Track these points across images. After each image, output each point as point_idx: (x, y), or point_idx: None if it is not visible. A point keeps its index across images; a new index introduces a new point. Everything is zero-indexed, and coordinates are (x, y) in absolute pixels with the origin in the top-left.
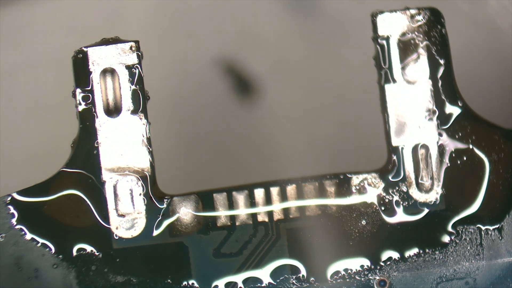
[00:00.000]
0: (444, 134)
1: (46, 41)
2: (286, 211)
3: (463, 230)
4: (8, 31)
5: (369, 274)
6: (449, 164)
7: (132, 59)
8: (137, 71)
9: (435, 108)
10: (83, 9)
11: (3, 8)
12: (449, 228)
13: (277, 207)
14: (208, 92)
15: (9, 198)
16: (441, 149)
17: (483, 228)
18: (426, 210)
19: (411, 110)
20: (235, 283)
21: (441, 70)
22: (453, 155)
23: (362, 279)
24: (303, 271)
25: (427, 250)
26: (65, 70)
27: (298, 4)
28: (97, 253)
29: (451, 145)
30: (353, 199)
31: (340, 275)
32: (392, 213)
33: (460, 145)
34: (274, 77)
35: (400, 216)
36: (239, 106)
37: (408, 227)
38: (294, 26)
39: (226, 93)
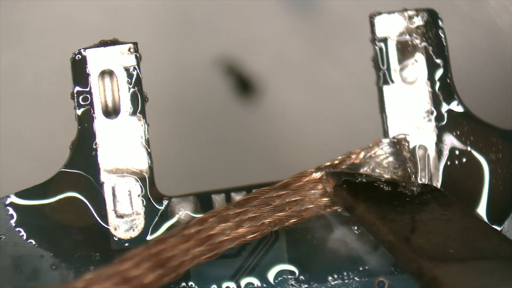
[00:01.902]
0: (443, 135)
1: (46, 42)
2: None
3: None
4: (8, 31)
5: (369, 275)
6: (447, 165)
7: (131, 60)
8: (135, 72)
9: (433, 109)
10: (83, 10)
11: (3, 8)
12: None
13: None
14: (207, 92)
15: (8, 200)
16: (439, 150)
17: None
18: None
19: (410, 111)
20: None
21: (439, 71)
22: (452, 155)
23: (362, 280)
24: (302, 272)
25: None
26: (65, 71)
27: (298, 4)
28: (95, 254)
29: (450, 145)
30: None
31: (339, 276)
32: None
33: (459, 146)
34: (274, 77)
35: None
36: (238, 106)
37: None
38: (294, 26)
39: (226, 93)
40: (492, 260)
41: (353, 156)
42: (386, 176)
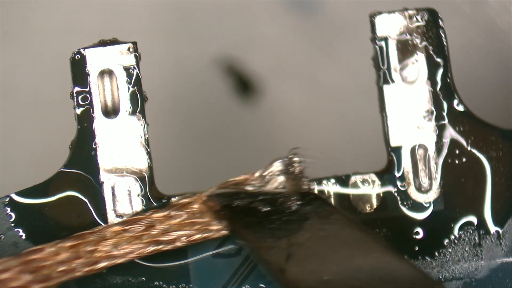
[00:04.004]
0: (443, 134)
1: (45, 42)
2: None
3: (462, 230)
4: (8, 31)
5: None
6: (447, 165)
7: (130, 60)
8: (135, 72)
9: (433, 109)
10: (82, 10)
11: (3, 8)
12: (448, 229)
13: None
14: (207, 92)
15: (8, 199)
16: (440, 149)
17: (482, 228)
18: (424, 211)
19: (410, 110)
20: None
21: (439, 71)
22: (452, 155)
23: None
24: None
25: (425, 251)
26: (65, 71)
27: (298, 4)
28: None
29: (450, 145)
30: (352, 200)
31: None
32: (391, 213)
33: (459, 146)
34: (274, 77)
35: (399, 217)
36: (238, 106)
37: (406, 228)
38: (294, 26)
39: (225, 93)
40: (369, 277)
41: (247, 177)
42: (267, 190)
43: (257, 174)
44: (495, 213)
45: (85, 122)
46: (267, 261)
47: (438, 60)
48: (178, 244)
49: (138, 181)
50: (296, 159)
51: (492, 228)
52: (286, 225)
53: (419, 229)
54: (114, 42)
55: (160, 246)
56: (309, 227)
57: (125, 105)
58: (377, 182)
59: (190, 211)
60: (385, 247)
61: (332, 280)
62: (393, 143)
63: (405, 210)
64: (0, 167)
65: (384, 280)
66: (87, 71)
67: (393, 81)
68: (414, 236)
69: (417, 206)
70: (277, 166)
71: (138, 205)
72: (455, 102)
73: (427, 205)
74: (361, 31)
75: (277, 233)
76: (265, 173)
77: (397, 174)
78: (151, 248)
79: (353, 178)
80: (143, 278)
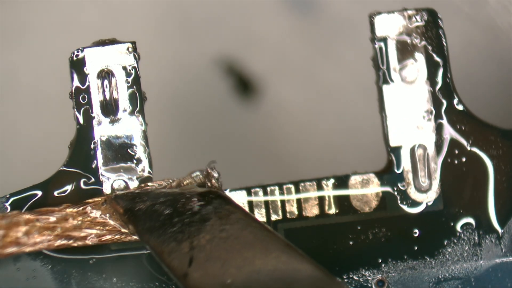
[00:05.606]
0: (442, 135)
1: (45, 41)
2: (284, 212)
3: (461, 230)
4: (8, 30)
5: (367, 274)
6: (447, 165)
7: (129, 60)
8: (134, 72)
9: (433, 109)
10: (82, 10)
11: (3, 8)
12: (448, 228)
13: (275, 207)
14: (207, 92)
15: (8, 199)
16: (439, 149)
17: (481, 228)
18: (424, 210)
19: (409, 110)
20: None
21: (439, 71)
22: (451, 155)
23: (360, 279)
24: None
25: (425, 250)
26: (64, 71)
27: (298, 4)
28: (94, 254)
29: (449, 145)
30: (352, 200)
31: (337, 276)
32: (390, 213)
33: (458, 145)
34: (274, 77)
35: (399, 217)
36: (238, 106)
37: (406, 227)
38: (294, 26)
39: (226, 93)
40: (270, 278)
41: (165, 185)
42: (169, 191)
43: (174, 184)
44: (496, 212)
45: (84, 122)
46: (170, 266)
47: (438, 60)
48: (88, 242)
49: (137, 180)
50: (215, 174)
51: (492, 227)
52: (187, 227)
53: (418, 229)
54: (113, 41)
55: (70, 241)
56: (210, 229)
57: (124, 105)
58: (377, 182)
59: (101, 211)
60: (286, 245)
61: (233, 283)
62: (392, 143)
63: (404, 210)
64: (0, 167)
65: (286, 281)
66: (86, 71)
67: (392, 81)
68: (414, 236)
69: (416, 205)
70: (195, 178)
71: None
72: (455, 101)
73: (426, 204)
74: (360, 31)
75: (179, 237)
76: (183, 184)
77: (397, 174)
78: (61, 242)
79: (352, 178)
80: (143, 278)
